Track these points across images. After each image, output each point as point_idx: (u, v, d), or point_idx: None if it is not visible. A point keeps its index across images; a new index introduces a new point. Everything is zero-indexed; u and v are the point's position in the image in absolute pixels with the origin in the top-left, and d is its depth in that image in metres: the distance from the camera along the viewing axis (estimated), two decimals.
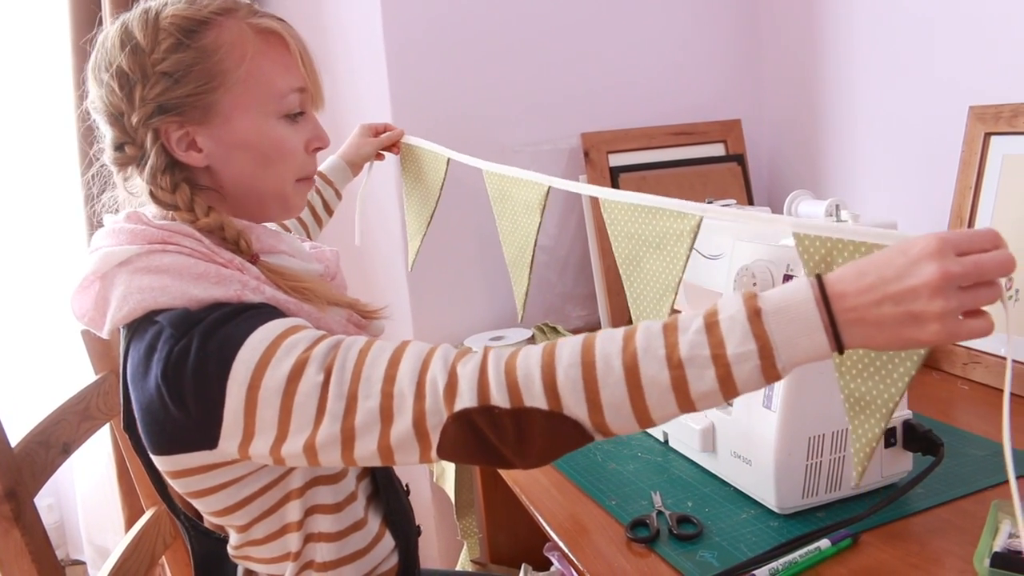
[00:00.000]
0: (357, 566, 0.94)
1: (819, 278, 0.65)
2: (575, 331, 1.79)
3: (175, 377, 0.75)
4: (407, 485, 1.10)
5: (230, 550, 0.94)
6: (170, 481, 0.86)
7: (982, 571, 0.80)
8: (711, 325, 0.66)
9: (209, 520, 0.92)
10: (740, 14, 1.97)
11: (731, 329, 0.65)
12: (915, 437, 0.98)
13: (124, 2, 1.84)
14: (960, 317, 0.62)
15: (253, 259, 0.88)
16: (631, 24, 1.88)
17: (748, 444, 0.99)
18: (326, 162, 1.49)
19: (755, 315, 0.65)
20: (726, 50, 1.97)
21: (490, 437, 0.71)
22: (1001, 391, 1.27)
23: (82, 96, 1.72)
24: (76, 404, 1.11)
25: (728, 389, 0.67)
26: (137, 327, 0.81)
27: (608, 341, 0.70)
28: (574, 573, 1.73)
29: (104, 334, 0.85)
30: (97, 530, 2.42)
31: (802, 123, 1.89)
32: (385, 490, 0.98)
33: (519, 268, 1.23)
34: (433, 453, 0.73)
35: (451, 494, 1.61)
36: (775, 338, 0.65)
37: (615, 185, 1.79)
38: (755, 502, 1.00)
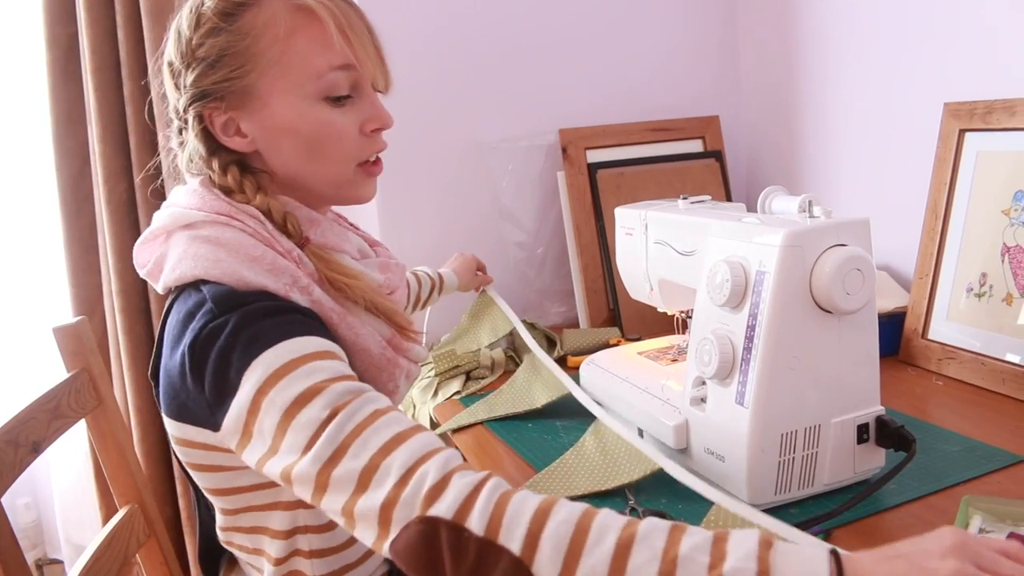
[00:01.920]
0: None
1: (835, 553, 0.61)
2: (553, 328, 1.79)
3: (201, 352, 0.76)
4: None
5: (218, 530, 0.94)
6: (174, 445, 0.86)
7: None
8: (719, 538, 0.62)
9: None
10: (719, 12, 1.97)
11: (737, 547, 0.60)
12: (887, 433, 0.98)
13: None
14: None
15: (303, 242, 0.88)
16: (610, 20, 1.88)
17: (721, 440, 0.99)
18: (444, 267, 1.57)
19: (765, 545, 0.61)
20: (705, 47, 1.98)
21: (444, 559, 0.64)
22: (978, 387, 1.28)
23: (55, 89, 1.72)
24: (46, 402, 1.10)
25: None
26: (183, 290, 0.83)
27: (611, 516, 0.64)
28: None
29: (159, 289, 0.86)
30: (75, 528, 2.40)
31: (780, 120, 1.90)
32: None
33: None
34: (386, 545, 0.66)
35: None
36: (777, 571, 0.59)
37: (592, 181, 1.79)
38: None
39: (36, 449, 1.05)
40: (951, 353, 1.35)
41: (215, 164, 0.88)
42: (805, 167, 1.84)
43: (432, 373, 1.51)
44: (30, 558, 2.45)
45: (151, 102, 1.62)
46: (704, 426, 1.03)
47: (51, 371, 1.17)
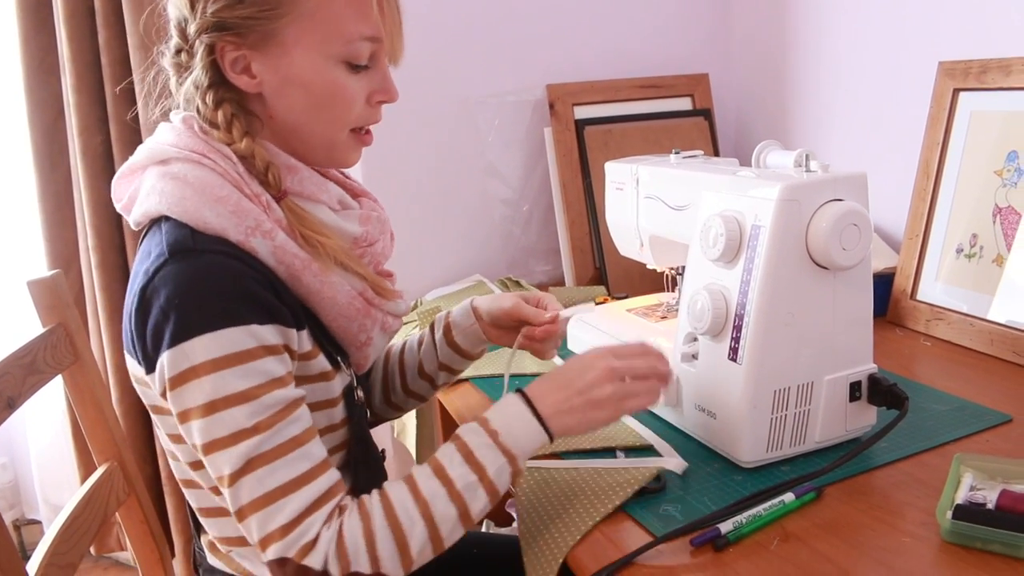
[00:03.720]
0: None
1: (523, 392, 0.85)
2: (539, 286, 1.77)
3: (148, 301, 0.77)
4: (383, 451, 1.07)
5: (178, 480, 0.94)
6: (135, 385, 0.87)
7: (944, 523, 0.80)
8: (468, 455, 0.81)
9: None
10: None
11: (485, 454, 0.81)
12: (880, 391, 0.97)
13: None
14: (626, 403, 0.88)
15: (280, 195, 0.86)
16: None
17: (713, 398, 0.98)
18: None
19: (495, 437, 0.82)
20: (695, 4, 1.94)
21: None
22: (966, 347, 1.28)
23: (27, 37, 1.65)
24: (22, 357, 1.07)
25: (493, 497, 0.82)
26: (150, 227, 0.84)
27: (404, 495, 0.79)
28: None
29: (131, 224, 0.86)
30: (53, 488, 2.37)
31: (771, 78, 1.87)
32: (358, 464, 0.95)
33: None
34: (262, 555, 0.77)
35: (412, 450, 1.59)
36: (514, 449, 0.82)
37: (580, 138, 1.76)
38: (719, 456, 0.99)
39: (11, 405, 1.02)
40: (939, 314, 1.34)
41: (210, 96, 0.85)
42: (794, 126, 1.82)
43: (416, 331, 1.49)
44: (8, 518, 2.43)
45: (130, 51, 1.57)
46: (695, 383, 1.01)
47: (28, 329, 1.14)
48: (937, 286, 1.36)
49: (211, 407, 0.75)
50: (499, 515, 1.79)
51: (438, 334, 1.13)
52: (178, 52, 0.87)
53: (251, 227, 0.81)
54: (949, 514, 0.80)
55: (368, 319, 0.92)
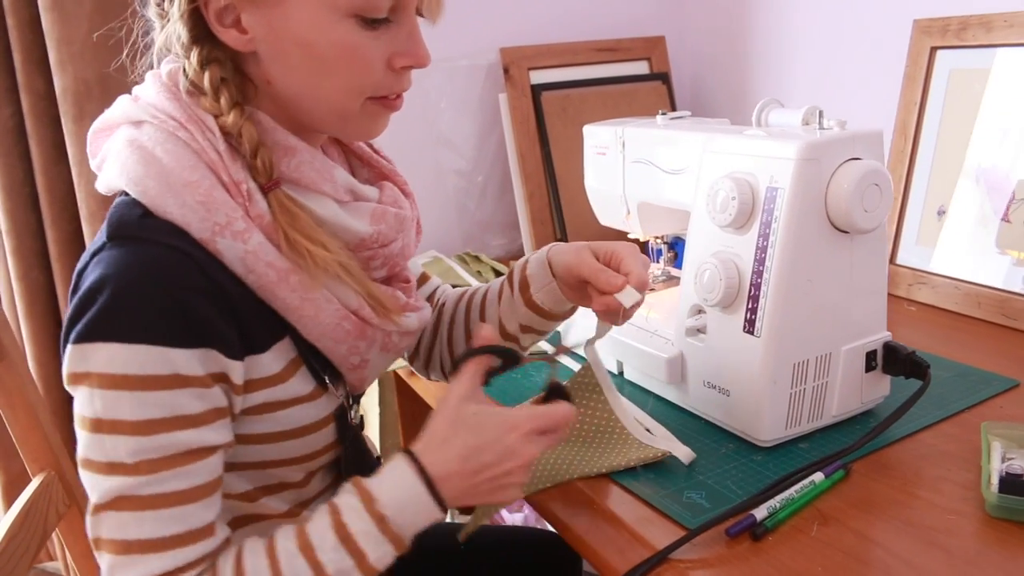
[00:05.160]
0: None
1: (421, 467, 0.69)
2: (498, 259, 1.68)
3: (76, 282, 0.68)
4: (378, 458, 0.95)
5: None
6: None
7: (991, 497, 0.75)
8: (346, 539, 0.67)
9: None
10: None
11: (367, 541, 0.67)
12: (897, 360, 0.92)
13: None
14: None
15: (271, 185, 0.70)
16: None
17: (725, 373, 0.92)
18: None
19: (382, 522, 0.68)
20: None
21: None
22: (952, 311, 1.25)
23: None
24: None
25: None
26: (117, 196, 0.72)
27: (259, 561, 0.67)
28: (503, 511, 1.66)
29: (98, 188, 0.73)
30: None
31: (730, 39, 1.81)
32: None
33: None
34: None
35: (375, 440, 1.49)
36: (403, 533, 0.69)
37: (536, 104, 1.67)
38: (732, 435, 0.93)
39: None
40: (922, 278, 1.31)
41: (194, 55, 0.70)
42: (756, 89, 1.77)
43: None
44: None
45: (40, 10, 1.41)
46: (704, 358, 0.95)
47: None
48: (918, 250, 1.33)
49: (96, 425, 0.64)
50: None
51: (516, 291, 0.91)
52: (159, 2, 0.72)
53: (220, 224, 0.67)
54: (994, 488, 0.76)
55: (362, 340, 0.77)
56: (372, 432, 1.51)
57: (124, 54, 0.77)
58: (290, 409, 0.74)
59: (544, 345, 1.23)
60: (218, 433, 0.68)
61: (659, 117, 1.10)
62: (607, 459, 0.88)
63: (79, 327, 0.64)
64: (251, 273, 0.69)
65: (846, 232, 0.87)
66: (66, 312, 0.67)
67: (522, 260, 0.93)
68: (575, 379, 0.95)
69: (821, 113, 0.91)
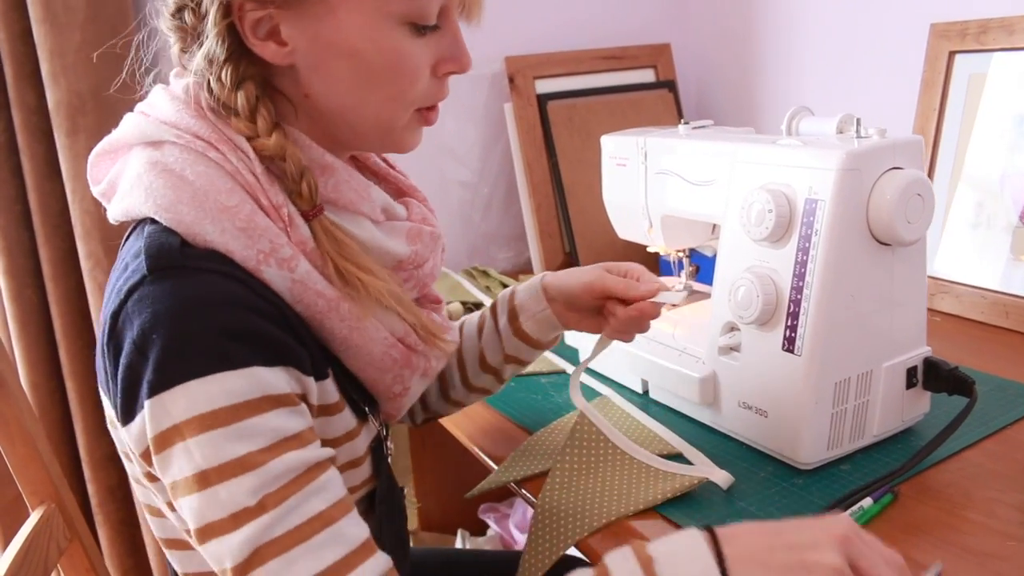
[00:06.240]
0: None
1: (710, 529, 0.57)
2: (504, 273, 1.64)
3: (116, 328, 0.59)
4: (403, 489, 0.89)
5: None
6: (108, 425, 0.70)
7: None
8: None
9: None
10: None
11: None
12: (939, 376, 0.89)
13: None
14: None
15: (313, 212, 0.66)
16: None
17: (763, 393, 0.88)
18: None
19: (646, 564, 0.56)
20: None
21: None
22: (979, 321, 1.22)
23: None
24: None
25: None
26: (135, 226, 0.65)
27: None
28: (514, 532, 1.62)
29: (109, 218, 0.67)
30: None
31: (737, 45, 1.78)
32: (382, 526, 0.77)
33: None
34: None
35: None
36: None
37: (543, 113, 1.63)
38: (770, 457, 0.89)
39: None
40: (945, 287, 1.28)
41: (227, 73, 0.64)
42: (766, 97, 1.73)
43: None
44: None
45: (32, 23, 1.37)
46: (738, 378, 0.91)
47: None
48: (940, 259, 1.30)
49: (202, 480, 0.57)
50: (472, 523, 1.67)
51: (502, 320, 0.90)
52: (179, 10, 0.66)
53: (264, 252, 0.62)
54: None
55: (407, 368, 0.74)
56: None
57: (124, 71, 0.73)
58: (341, 447, 0.70)
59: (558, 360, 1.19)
60: (323, 450, 0.62)
61: (681, 126, 1.07)
62: (643, 494, 0.84)
63: (148, 378, 0.57)
64: (299, 303, 0.64)
65: (887, 244, 0.84)
66: (104, 360, 0.61)
67: (507, 291, 0.93)
68: (575, 434, 0.94)
69: (859, 121, 0.87)
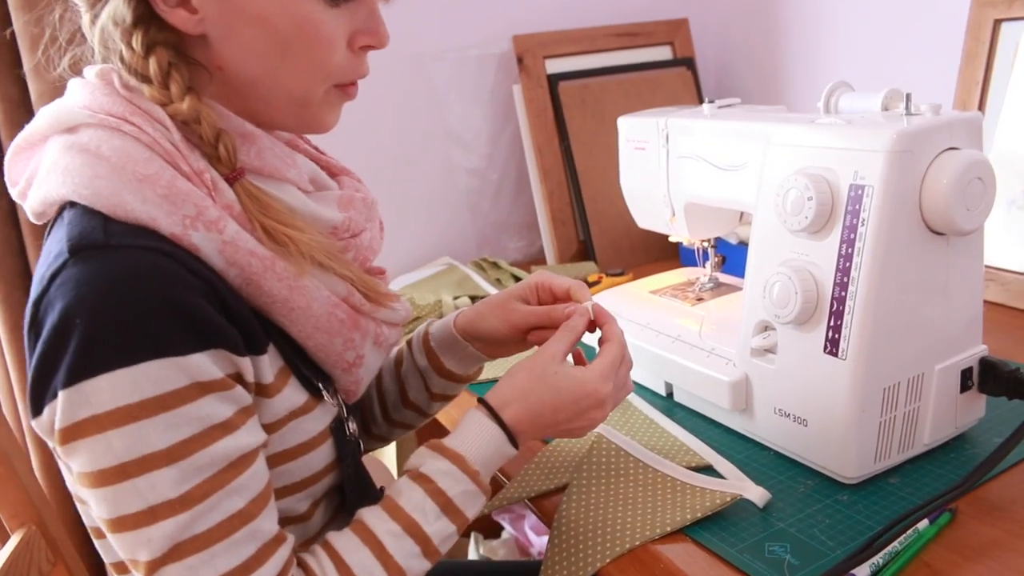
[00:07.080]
0: None
1: (497, 417, 0.71)
2: (516, 264, 1.56)
3: (36, 315, 0.57)
4: (381, 488, 0.85)
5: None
6: None
7: None
8: (446, 505, 0.67)
9: None
10: None
11: (466, 501, 0.68)
12: (997, 377, 0.80)
13: None
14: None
15: (234, 175, 0.64)
16: None
17: (802, 400, 0.80)
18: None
19: (476, 478, 0.69)
20: None
21: None
22: None
23: None
24: None
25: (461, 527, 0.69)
26: (56, 217, 0.62)
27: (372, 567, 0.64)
28: (530, 534, 1.55)
29: (29, 214, 0.64)
30: None
31: (759, 18, 1.68)
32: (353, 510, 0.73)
33: None
34: None
35: (392, 467, 1.37)
36: (487, 482, 0.71)
37: (554, 95, 1.55)
38: (810, 470, 0.81)
39: None
40: (991, 275, 1.19)
41: (137, 39, 0.62)
42: (788, 73, 1.64)
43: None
44: None
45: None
46: (773, 382, 0.83)
47: None
48: (986, 244, 1.21)
49: (121, 472, 0.55)
50: (486, 525, 1.60)
51: (420, 360, 0.89)
52: None
53: (190, 216, 0.59)
54: None
55: (356, 332, 0.71)
56: (388, 459, 1.39)
57: (40, 52, 0.69)
58: (285, 427, 0.67)
59: None
60: (253, 434, 0.61)
61: (706, 106, 0.98)
62: (669, 515, 0.76)
63: (65, 367, 0.54)
64: (232, 266, 0.62)
65: (942, 234, 0.75)
66: (30, 360, 0.57)
67: (420, 329, 0.91)
68: (595, 444, 0.88)
69: (909, 96, 0.78)
